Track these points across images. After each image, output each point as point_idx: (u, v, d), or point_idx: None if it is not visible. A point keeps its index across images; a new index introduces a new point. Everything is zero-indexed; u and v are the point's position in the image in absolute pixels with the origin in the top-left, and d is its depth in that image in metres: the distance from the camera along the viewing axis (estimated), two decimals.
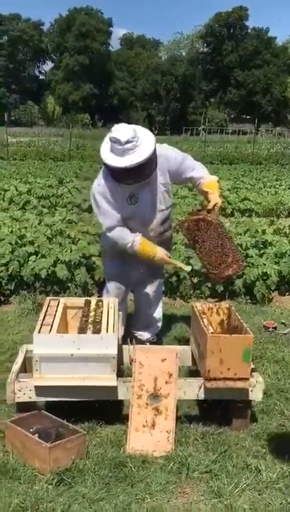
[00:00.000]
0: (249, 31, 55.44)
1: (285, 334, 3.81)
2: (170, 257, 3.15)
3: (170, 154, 3.11)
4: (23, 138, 27.99)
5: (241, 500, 2.05)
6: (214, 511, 1.98)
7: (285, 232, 5.57)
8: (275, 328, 3.89)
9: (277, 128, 40.61)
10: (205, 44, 55.84)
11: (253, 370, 2.61)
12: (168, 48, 62.14)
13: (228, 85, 53.03)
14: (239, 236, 5.25)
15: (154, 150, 2.88)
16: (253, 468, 2.26)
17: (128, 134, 2.78)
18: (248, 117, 50.59)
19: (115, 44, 64.67)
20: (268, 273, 4.52)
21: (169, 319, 3.89)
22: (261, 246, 5.03)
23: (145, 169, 2.88)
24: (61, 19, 56.71)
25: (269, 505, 2.02)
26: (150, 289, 3.37)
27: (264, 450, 2.41)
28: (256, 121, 26.99)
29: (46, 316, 2.65)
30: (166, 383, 2.45)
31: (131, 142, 2.78)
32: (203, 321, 2.69)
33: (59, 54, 57.18)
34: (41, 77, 62.01)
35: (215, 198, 3.05)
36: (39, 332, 2.48)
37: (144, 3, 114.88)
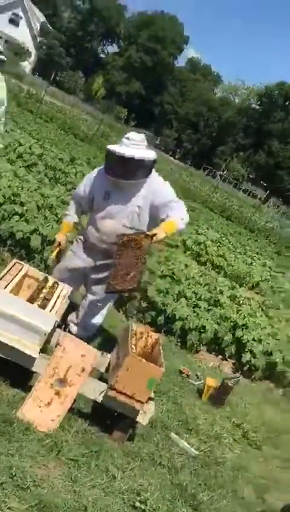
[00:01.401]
0: None
1: (193, 384, 4.18)
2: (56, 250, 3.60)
3: (162, 189, 3.28)
4: (57, 101, 28.18)
5: (88, 493, 2.37)
6: (64, 489, 2.30)
7: (239, 302, 5.98)
8: (188, 375, 4.25)
9: (284, 206, 41.80)
10: (259, 103, 57.33)
11: (150, 398, 2.96)
12: (225, 88, 63.49)
13: (261, 148, 54.42)
14: (198, 285, 5.63)
15: (149, 163, 3.19)
16: (110, 475, 2.59)
17: (137, 136, 3.22)
18: (264, 184, 51.92)
19: (180, 61, 65.67)
20: (206, 328, 4.90)
21: (106, 326, 4.20)
22: (213, 303, 5.42)
23: (131, 168, 3.15)
24: (144, 13, 57.47)
25: (108, 506, 2.35)
26: (98, 296, 3.55)
27: (127, 465, 2.73)
28: (268, 192, 27.83)
29: (7, 274, 2.94)
30: (77, 375, 2.76)
31: (135, 142, 3.18)
32: (131, 340, 3.03)
33: (128, 43, 57.74)
34: (101, 55, 62.39)
35: (159, 231, 3.16)
36: None
37: (225, 37, 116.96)
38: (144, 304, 5.00)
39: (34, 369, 2.81)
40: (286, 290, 8.38)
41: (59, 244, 3.61)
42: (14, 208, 4.86)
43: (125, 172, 3.19)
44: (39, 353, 2.76)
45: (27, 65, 43.00)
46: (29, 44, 44.32)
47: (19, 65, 35.79)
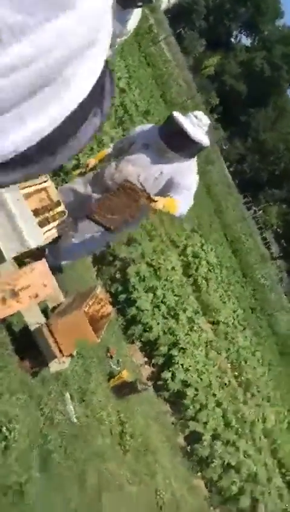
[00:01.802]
0: None
1: (111, 366, 4.35)
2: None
3: (188, 176, 3.38)
4: (168, 53, 27.69)
5: None
6: None
7: (192, 327, 6.13)
8: (111, 357, 4.42)
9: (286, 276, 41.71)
10: None
11: (71, 355, 3.11)
12: None
13: None
14: (170, 292, 5.76)
15: (201, 148, 3.35)
16: None
17: (205, 119, 3.33)
18: (285, 244, 51.77)
19: None
20: (152, 330, 5.06)
21: (73, 269, 4.27)
22: (171, 314, 5.57)
23: (185, 145, 3.28)
24: None
25: None
26: (79, 234, 3.51)
27: (15, 393, 2.89)
28: (282, 254, 27.89)
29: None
30: (28, 297, 2.88)
31: (201, 124, 3.29)
32: (90, 300, 3.16)
33: (261, 46, 56.55)
34: (232, 39, 61.20)
35: (159, 200, 3.17)
36: None
37: None
38: (118, 275, 5.13)
39: None
40: (235, 344, 8.58)
41: (87, 166, 3.69)
42: None
43: (178, 146, 3.28)
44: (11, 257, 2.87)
45: (165, 2, 41.97)
46: None
47: None
